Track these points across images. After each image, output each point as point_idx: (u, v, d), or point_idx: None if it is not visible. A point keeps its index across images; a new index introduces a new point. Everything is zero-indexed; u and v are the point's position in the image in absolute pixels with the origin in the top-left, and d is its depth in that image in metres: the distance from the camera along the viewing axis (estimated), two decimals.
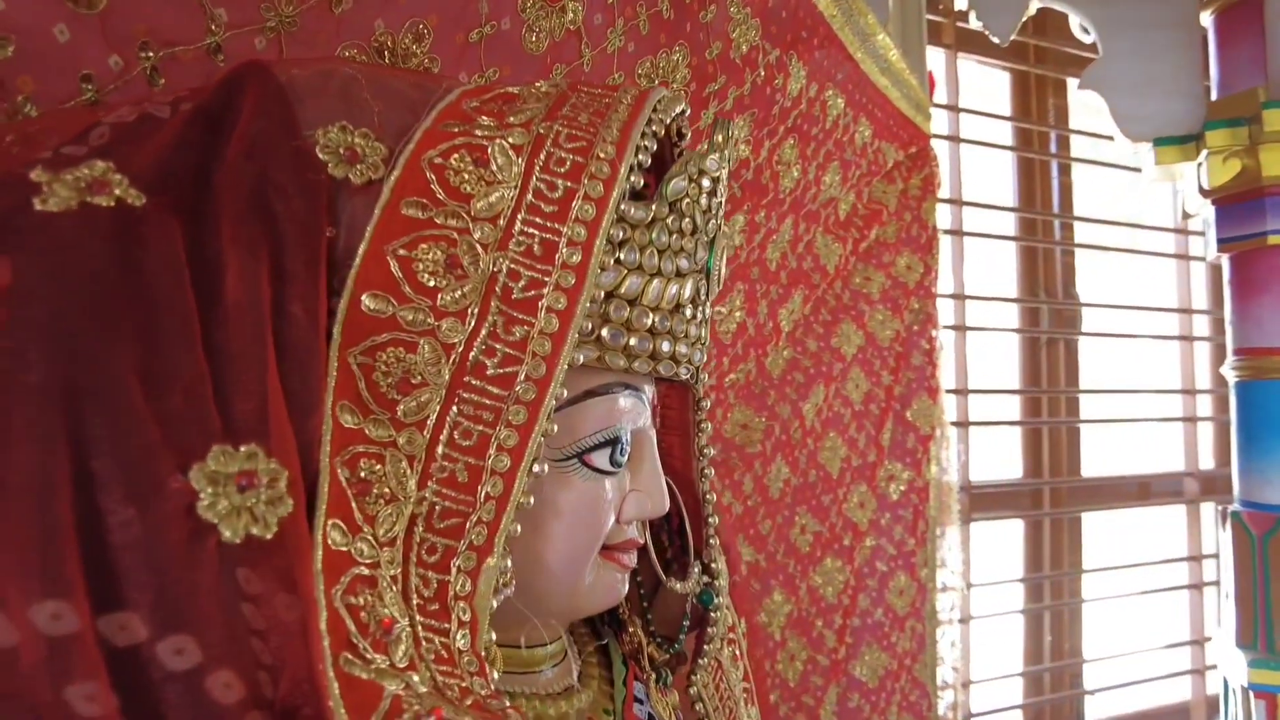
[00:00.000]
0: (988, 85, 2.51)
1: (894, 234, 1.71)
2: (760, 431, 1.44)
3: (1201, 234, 2.26)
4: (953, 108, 2.33)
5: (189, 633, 0.29)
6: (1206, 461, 2.57)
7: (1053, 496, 2.49)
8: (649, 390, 0.56)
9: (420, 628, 0.39)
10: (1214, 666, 2.06)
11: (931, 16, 2.00)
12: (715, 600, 0.65)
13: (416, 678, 0.35)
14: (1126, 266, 2.59)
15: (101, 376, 0.30)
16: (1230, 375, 1.34)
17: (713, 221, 0.55)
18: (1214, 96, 1.36)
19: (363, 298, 0.42)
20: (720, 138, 0.55)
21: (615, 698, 0.59)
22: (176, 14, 0.49)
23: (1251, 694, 1.24)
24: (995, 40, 1.40)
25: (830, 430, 1.54)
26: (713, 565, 0.65)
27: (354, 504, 0.38)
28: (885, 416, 1.65)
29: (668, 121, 0.53)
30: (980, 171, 2.44)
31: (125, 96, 0.48)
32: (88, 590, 0.28)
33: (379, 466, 0.40)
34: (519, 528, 0.45)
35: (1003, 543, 2.46)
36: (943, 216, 2.27)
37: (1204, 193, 1.30)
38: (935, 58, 2.29)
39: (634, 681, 0.62)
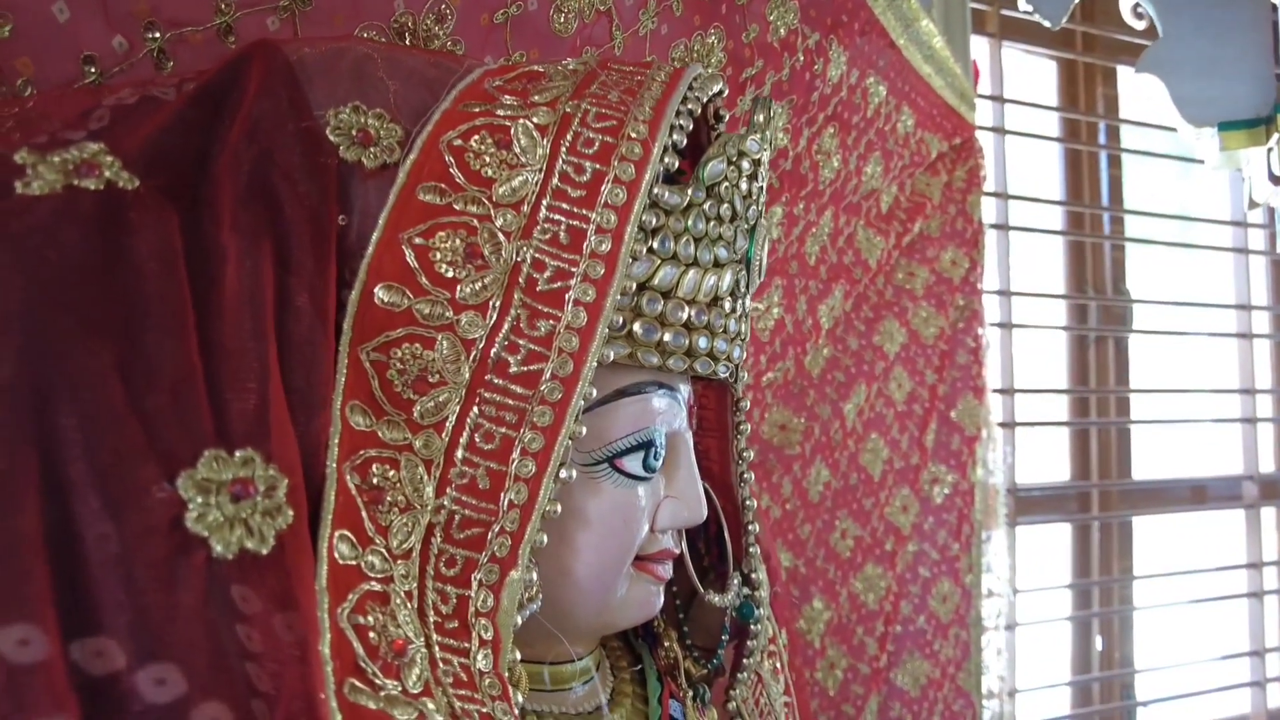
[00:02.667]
0: (1033, 74, 2.44)
1: (938, 228, 1.66)
2: (799, 433, 1.40)
3: (1263, 226, 2.17)
4: (997, 98, 2.27)
5: (172, 660, 0.26)
6: (1268, 465, 2.47)
7: (1102, 500, 2.41)
8: (685, 389, 0.53)
9: (437, 648, 0.35)
10: (1277, 679, 1.96)
11: (975, 4, 1.94)
12: (756, 613, 0.61)
13: (432, 704, 0.32)
14: (1180, 261, 2.50)
15: (76, 373, 0.27)
16: None
17: (753, 207, 0.51)
18: None
19: (376, 289, 0.39)
20: (761, 118, 0.51)
21: (650, 718, 0.56)
22: None
23: None
24: (1046, 24, 1.34)
25: (872, 431, 1.49)
26: (753, 575, 0.62)
27: (365, 513, 0.35)
28: (929, 417, 1.60)
29: (704, 100, 0.49)
30: (1026, 164, 2.37)
31: (130, 79, 0.46)
32: (58, 612, 0.25)
33: (393, 472, 0.37)
34: (545, 538, 0.42)
35: (1050, 548, 2.39)
36: (987, 210, 2.20)
37: (1275, 179, 1.24)
38: (979, 46, 2.22)
39: (669, 700, 0.58)
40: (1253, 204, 1.35)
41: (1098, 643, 2.38)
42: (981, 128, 2.00)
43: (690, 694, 0.60)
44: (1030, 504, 2.34)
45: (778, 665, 0.74)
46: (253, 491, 0.30)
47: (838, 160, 1.19)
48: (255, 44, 0.45)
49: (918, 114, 1.43)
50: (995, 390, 2.17)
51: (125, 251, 0.31)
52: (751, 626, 0.63)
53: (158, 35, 0.46)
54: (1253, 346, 2.48)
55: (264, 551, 0.29)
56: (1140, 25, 2.37)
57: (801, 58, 0.98)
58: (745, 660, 0.64)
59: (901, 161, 1.44)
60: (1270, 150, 1.22)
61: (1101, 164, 2.43)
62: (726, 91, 0.54)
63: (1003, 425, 2.22)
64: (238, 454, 0.30)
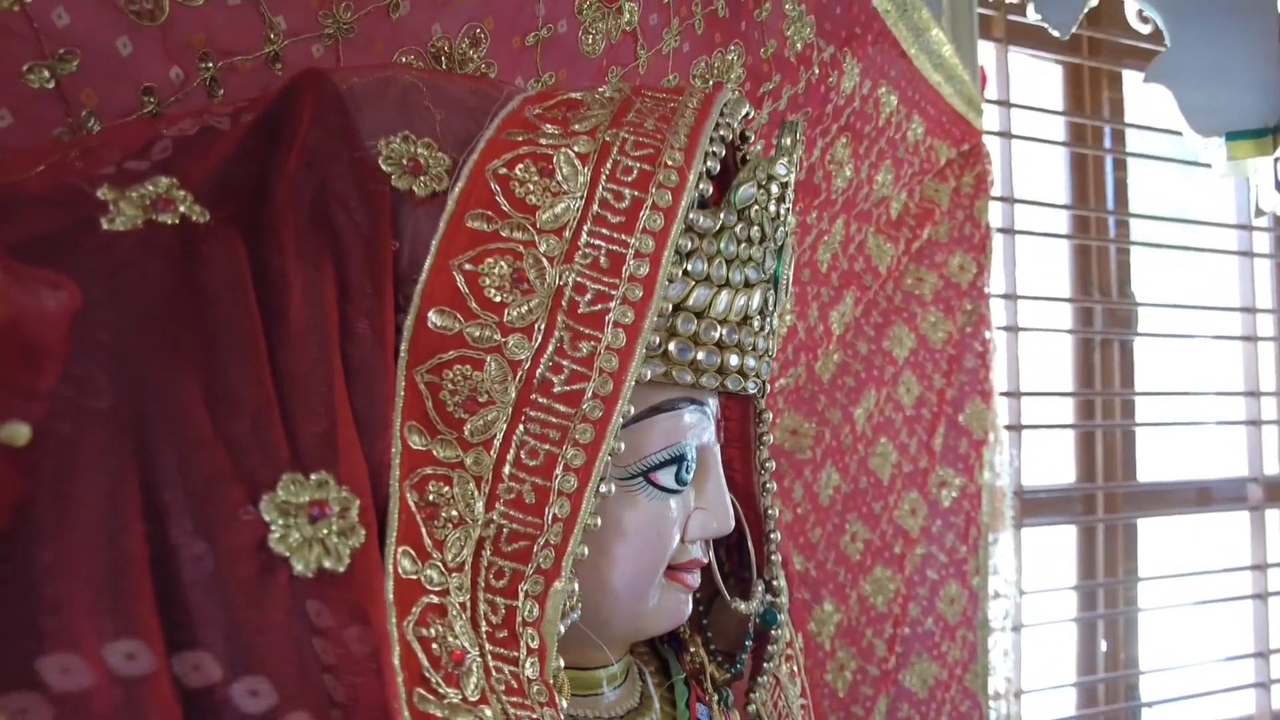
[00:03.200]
0: (1039, 79, 2.45)
1: (946, 233, 1.67)
2: (810, 437, 1.42)
3: (1269, 230, 2.18)
4: (1004, 103, 2.28)
5: (264, 673, 0.28)
6: (1273, 467, 2.49)
7: (1107, 502, 2.43)
8: (713, 404, 0.55)
9: (490, 657, 0.37)
10: None
11: (982, 10, 1.95)
12: (779, 620, 0.63)
13: (489, 712, 0.34)
14: (1185, 264, 2.51)
15: (169, 404, 0.29)
16: None
17: (781, 229, 0.53)
18: None
19: (429, 314, 0.41)
20: (789, 141, 0.53)
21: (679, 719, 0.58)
22: (235, 24, 0.48)
23: None
24: (1055, 34, 1.36)
25: (881, 435, 1.51)
26: (774, 583, 0.64)
27: (423, 529, 0.37)
28: (937, 421, 1.61)
29: (735, 126, 0.51)
30: (1032, 168, 2.39)
31: (186, 108, 0.48)
32: (161, 628, 0.27)
33: (447, 489, 0.39)
34: (586, 550, 0.44)
35: (1055, 549, 2.41)
36: (994, 214, 2.22)
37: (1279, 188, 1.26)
38: (985, 51, 2.24)
39: (696, 704, 0.60)
40: (1259, 212, 1.36)
41: (1102, 645, 2.40)
42: (988, 132, 2.01)
43: (715, 697, 0.62)
44: (1036, 506, 2.36)
45: (794, 669, 0.76)
46: (328, 513, 0.32)
47: (850, 169, 1.21)
48: (304, 73, 0.46)
49: (927, 121, 1.45)
50: (1002, 393, 2.19)
51: (202, 284, 0.33)
52: (772, 632, 0.65)
53: (210, 65, 0.48)
54: (1257, 349, 2.50)
55: (340, 569, 0.31)
56: (1145, 29, 2.38)
57: (817, 71, 1.00)
58: (765, 664, 0.66)
59: (911, 169, 1.46)
60: (1277, 160, 1.24)
61: (1107, 168, 2.45)
62: (754, 114, 0.56)
63: (1009, 428, 2.24)
64: (313, 477, 0.32)
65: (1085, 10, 1.38)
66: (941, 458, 1.63)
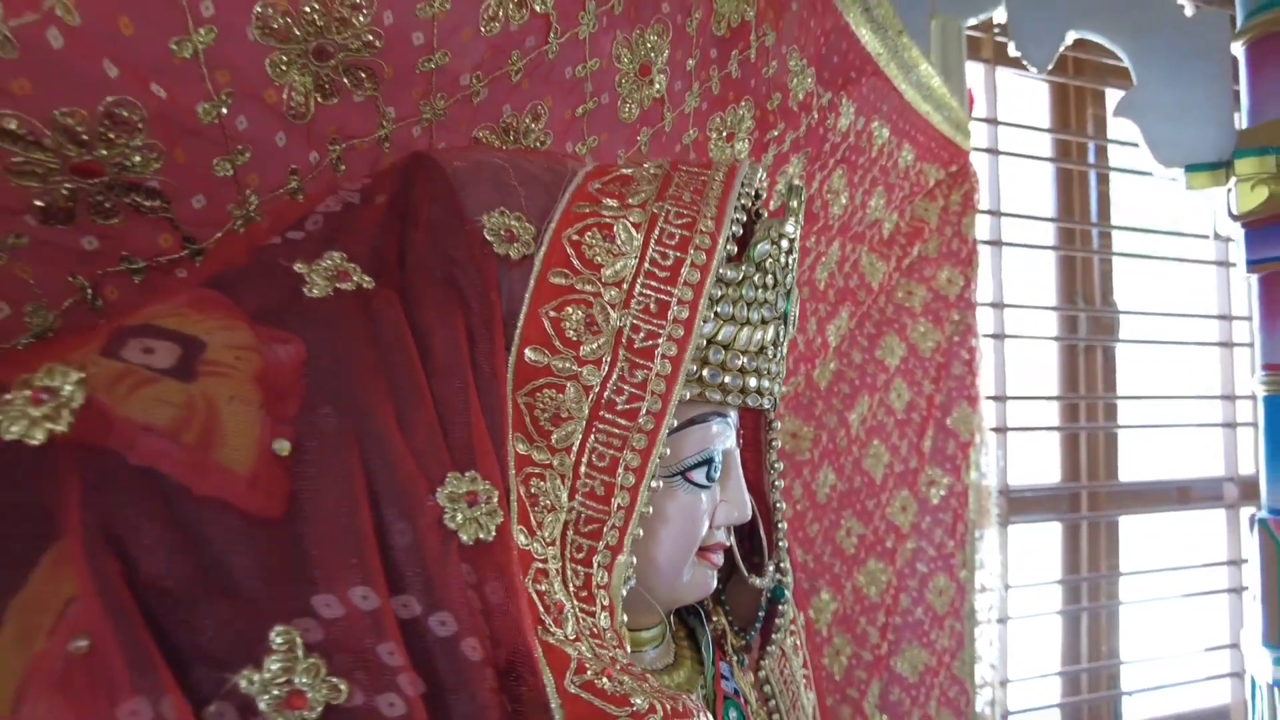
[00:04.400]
0: (1027, 95, 2.59)
1: (935, 249, 1.81)
2: (809, 440, 1.55)
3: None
4: (991, 120, 2.42)
5: (449, 609, 0.41)
6: (1247, 467, 2.63)
7: (1090, 500, 2.57)
8: (734, 416, 0.68)
9: (578, 610, 0.51)
10: None
11: (971, 32, 2.08)
12: (786, 594, 0.76)
13: (584, 647, 0.47)
14: (1165, 273, 2.65)
15: (375, 425, 0.43)
16: (1259, 389, 1.43)
17: (790, 275, 0.67)
18: (1244, 125, 1.44)
19: (525, 351, 0.54)
20: (795, 204, 0.67)
21: (705, 674, 0.71)
22: (358, 115, 0.61)
23: (1276, 690, 1.33)
24: (1034, 70, 1.49)
25: (874, 438, 1.65)
26: (782, 564, 0.77)
27: (530, 514, 0.50)
28: (926, 424, 1.75)
29: (754, 194, 0.65)
30: (1019, 182, 2.53)
31: (320, 183, 0.61)
32: (385, 579, 0.40)
33: (542, 483, 0.52)
34: (641, 532, 0.57)
35: (1041, 546, 2.55)
36: (982, 227, 2.36)
37: (1233, 217, 1.39)
38: (974, 71, 2.38)
39: (720, 662, 0.73)
40: (1218, 236, 1.50)
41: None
42: (977, 149, 2.15)
43: (734, 658, 0.76)
44: (1023, 504, 2.50)
45: (798, 643, 0.89)
46: (478, 500, 0.45)
47: (845, 197, 1.34)
48: (414, 156, 0.60)
49: (917, 148, 1.58)
50: (989, 397, 2.33)
51: (380, 335, 0.46)
52: (779, 607, 0.79)
53: (337, 147, 0.62)
54: (1233, 355, 2.64)
55: (490, 540, 0.44)
56: None
57: (816, 115, 1.13)
58: (774, 635, 0.79)
59: (902, 192, 1.59)
60: (1229, 191, 1.38)
61: (1091, 182, 2.59)
62: (766, 177, 0.69)
63: (996, 430, 2.38)
64: (466, 474, 0.45)
65: (1061, 49, 1.51)
66: (930, 459, 1.77)
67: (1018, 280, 2.50)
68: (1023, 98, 2.58)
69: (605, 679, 0.45)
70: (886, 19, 1.29)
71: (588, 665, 0.45)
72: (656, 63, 0.82)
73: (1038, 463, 2.57)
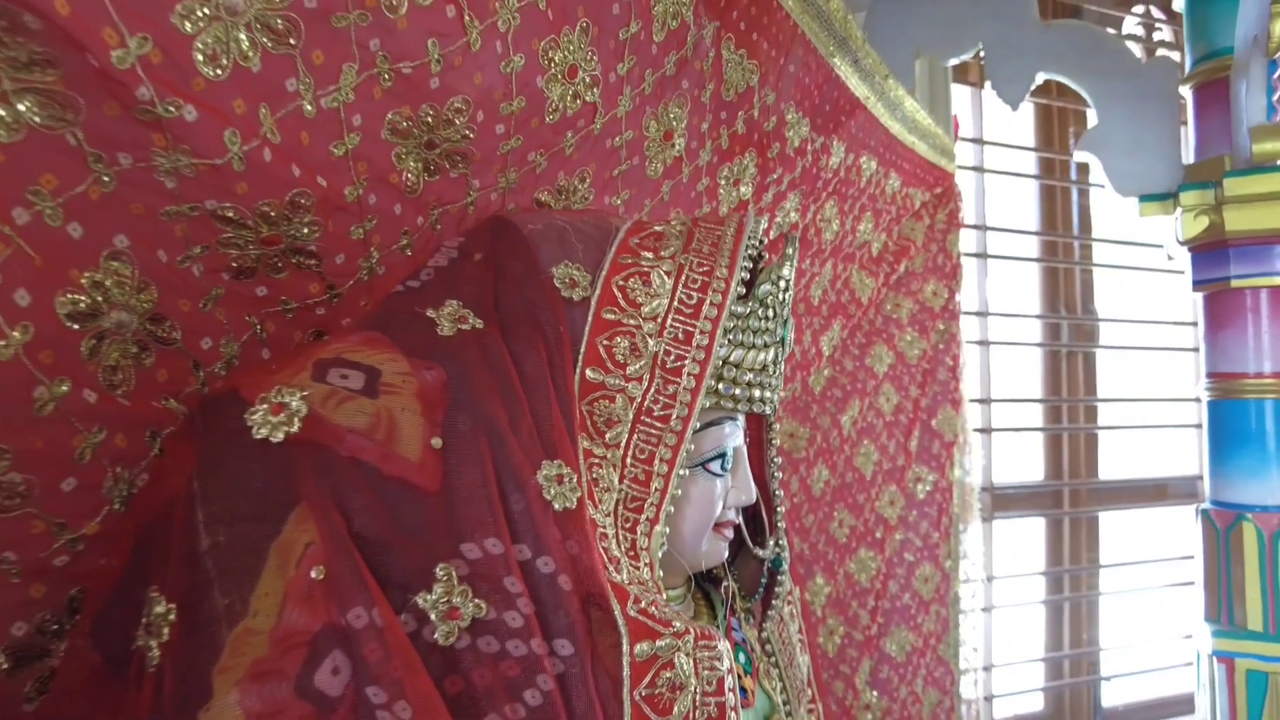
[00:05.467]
0: (1012, 115, 2.78)
1: (921, 265, 1.99)
2: (805, 440, 1.74)
3: None
4: (978, 140, 2.61)
5: (549, 555, 0.60)
6: None
7: (1072, 497, 2.76)
8: (742, 420, 0.87)
9: (628, 564, 0.70)
10: None
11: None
12: (784, 565, 0.95)
13: (635, 590, 0.66)
14: (1143, 283, 2.82)
15: (496, 428, 0.61)
16: (1203, 395, 1.62)
17: (786, 308, 0.85)
18: (1191, 159, 1.63)
19: (586, 371, 0.73)
20: (790, 250, 0.85)
21: (719, 626, 0.90)
22: (452, 187, 0.80)
23: (1215, 659, 1.52)
24: (1007, 107, 1.68)
25: (864, 438, 1.83)
26: (781, 541, 0.96)
27: (593, 493, 0.69)
28: (913, 426, 1.94)
29: (758, 244, 0.84)
30: (1004, 197, 2.71)
31: (422, 239, 0.80)
32: (508, 533, 0.59)
33: (600, 470, 0.71)
34: (672, 509, 0.76)
35: (1025, 539, 2.74)
36: (969, 240, 2.55)
37: (1180, 242, 1.58)
38: (961, 93, 2.57)
39: (731, 618, 0.92)
40: (1170, 258, 1.68)
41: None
42: (963, 167, 2.33)
43: (741, 616, 0.95)
44: (1008, 501, 2.69)
45: (794, 611, 1.08)
46: (564, 481, 0.63)
47: (836, 224, 1.53)
48: (496, 219, 0.79)
49: (903, 175, 1.77)
50: (975, 400, 2.52)
51: (492, 362, 0.64)
52: (779, 577, 0.97)
53: (436, 212, 0.80)
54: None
55: (573, 508, 0.63)
56: None
57: (810, 158, 1.32)
58: (774, 601, 0.98)
59: (889, 215, 1.78)
60: (1176, 219, 1.56)
61: (1073, 197, 2.78)
62: (767, 225, 0.88)
63: (982, 431, 2.57)
64: (555, 461, 0.63)
65: (1031, 88, 1.70)
66: (917, 457, 1.95)
67: (1003, 290, 2.70)
68: (1008, 117, 2.76)
69: (654, 608, 0.64)
70: (873, 66, 1.47)
71: (641, 599, 0.64)
72: (677, 129, 1.01)
73: (1022, 461, 2.77)
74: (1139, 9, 2.57)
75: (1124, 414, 2.84)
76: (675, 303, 0.78)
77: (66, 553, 0.59)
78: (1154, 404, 2.77)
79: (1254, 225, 1.45)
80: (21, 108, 0.51)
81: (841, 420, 1.79)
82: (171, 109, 0.55)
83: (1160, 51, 2.52)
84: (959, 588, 2.09)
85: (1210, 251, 1.54)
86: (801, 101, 1.26)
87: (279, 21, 0.59)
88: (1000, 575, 2.62)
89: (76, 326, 0.57)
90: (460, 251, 0.77)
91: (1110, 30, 2.69)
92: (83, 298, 0.58)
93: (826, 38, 1.28)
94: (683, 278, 0.78)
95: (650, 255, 0.79)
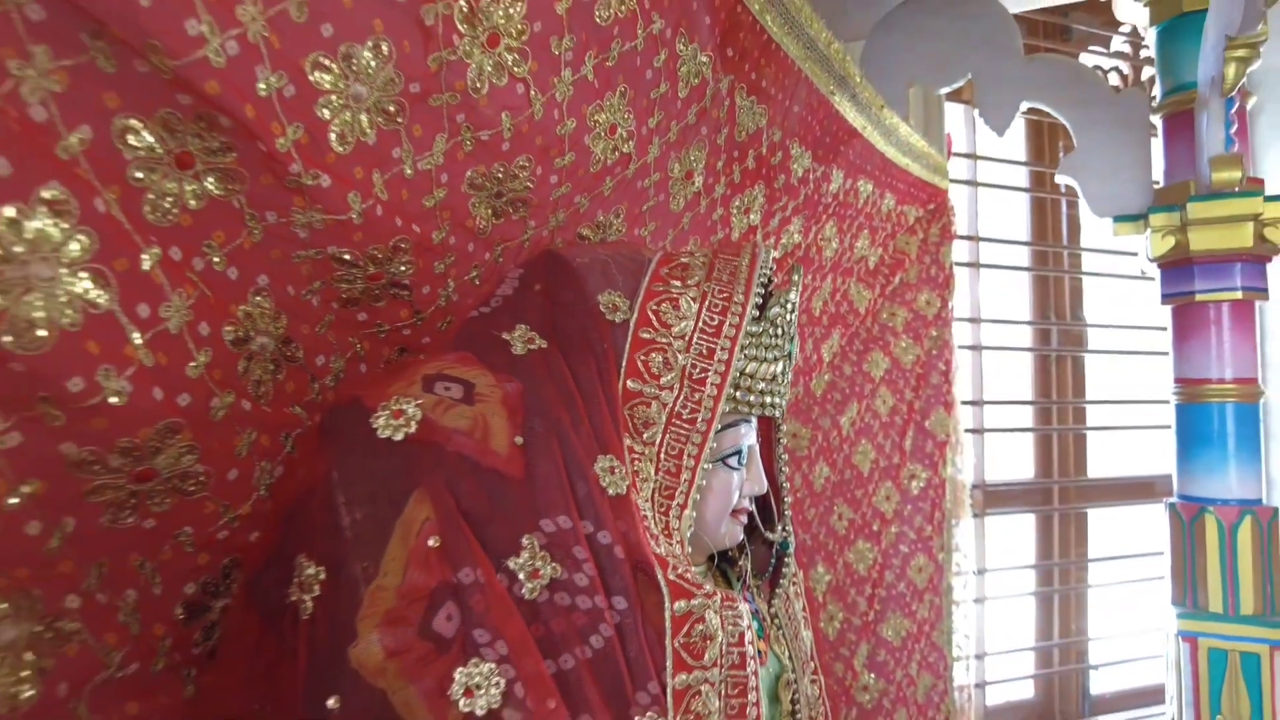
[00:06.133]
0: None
1: (915, 276, 2.15)
2: (806, 439, 1.90)
3: None
4: (971, 155, 2.77)
5: (607, 529, 0.76)
6: None
7: (1061, 494, 2.92)
8: (754, 422, 1.03)
9: (664, 541, 0.86)
10: None
11: None
12: (790, 548, 1.11)
13: (671, 560, 0.82)
14: (1129, 290, 2.97)
15: (562, 428, 0.77)
16: (1172, 399, 1.78)
17: (793, 327, 1.01)
18: (1161, 183, 1.79)
19: (628, 382, 0.89)
20: (796, 278, 1.02)
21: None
22: (513, 227, 0.96)
23: (1180, 639, 1.68)
24: (995, 134, 1.84)
25: (862, 438, 2.00)
26: (787, 527, 1.12)
27: (636, 483, 0.85)
28: (907, 426, 2.10)
29: (769, 270, 1.00)
30: (997, 209, 2.88)
31: (487, 270, 0.96)
32: (576, 512, 0.75)
33: (640, 464, 0.87)
34: (698, 496, 0.92)
35: (1016, 534, 2.90)
36: (963, 250, 2.71)
37: (1150, 259, 1.74)
38: (954, 110, 2.74)
39: (745, 593, 1.08)
40: (1144, 274, 1.84)
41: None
42: (957, 181, 2.49)
43: (754, 591, 1.11)
44: (1000, 497, 2.85)
45: (798, 591, 1.24)
46: (615, 471, 0.79)
47: (836, 242, 1.69)
48: (549, 254, 0.95)
49: (897, 195, 1.93)
50: (969, 402, 2.68)
51: (557, 374, 0.80)
52: (786, 558, 1.13)
53: (499, 248, 0.96)
54: None
55: (623, 494, 0.79)
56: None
57: (812, 185, 1.48)
58: (781, 580, 1.14)
59: (885, 232, 1.94)
60: (1146, 238, 1.73)
61: (1062, 208, 2.94)
62: (776, 254, 1.04)
63: (975, 431, 2.73)
64: (608, 455, 0.79)
65: (1015, 115, 1.86)
66: (911, 455, 2.11)
67: (996, 297, 2.86)
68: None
69: (687, 574, 0.80)
70: (870, 99, 1.63)
71: (678, 567, 0.80)
72: (696, 168, 1.17)
73: (1013, 460, 2.93)
74: (1119, 40, 2.73)
75: (1111, 415, 2.99)
76: (700, 324, 0.94)
77: (227, 529, 0.75)
78: (1140, 406, 2.92)
79: (1215, 245, 1.61)
80: (208, 183, 0.67)
81: (841, 421, 1.95)
82: (312, 179, 0.71)
83: (1147, 70, 2.69)
84: (951, 579, 2.25)
85: (1177, 268, 1.70)
86: (804, 136, 1.42)
87: (391, 105, 0.75)
88: (993, 568, 2.78)
89: (235, 350, 0.73)
90: (521, 282, 0.93)
91: (1097, 47, 2.85)
92: (238, 327, 0.74)
93: (827, 78, 1.44)
94: (706, 302, 0.94)
95: (678, 283, 0.95)
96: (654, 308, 0.93)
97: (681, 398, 0.91)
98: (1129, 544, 2.93)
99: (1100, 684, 2.93)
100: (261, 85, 0.64)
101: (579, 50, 0.89)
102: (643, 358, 0.91)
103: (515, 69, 0.83)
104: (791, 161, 1.39)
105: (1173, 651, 1.69)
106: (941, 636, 2.25)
